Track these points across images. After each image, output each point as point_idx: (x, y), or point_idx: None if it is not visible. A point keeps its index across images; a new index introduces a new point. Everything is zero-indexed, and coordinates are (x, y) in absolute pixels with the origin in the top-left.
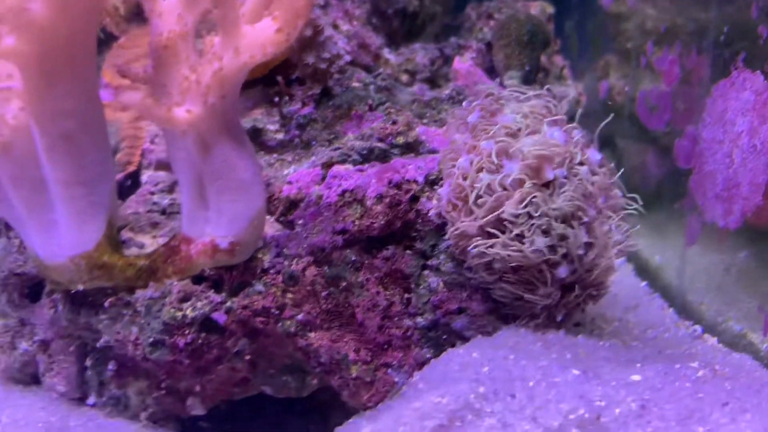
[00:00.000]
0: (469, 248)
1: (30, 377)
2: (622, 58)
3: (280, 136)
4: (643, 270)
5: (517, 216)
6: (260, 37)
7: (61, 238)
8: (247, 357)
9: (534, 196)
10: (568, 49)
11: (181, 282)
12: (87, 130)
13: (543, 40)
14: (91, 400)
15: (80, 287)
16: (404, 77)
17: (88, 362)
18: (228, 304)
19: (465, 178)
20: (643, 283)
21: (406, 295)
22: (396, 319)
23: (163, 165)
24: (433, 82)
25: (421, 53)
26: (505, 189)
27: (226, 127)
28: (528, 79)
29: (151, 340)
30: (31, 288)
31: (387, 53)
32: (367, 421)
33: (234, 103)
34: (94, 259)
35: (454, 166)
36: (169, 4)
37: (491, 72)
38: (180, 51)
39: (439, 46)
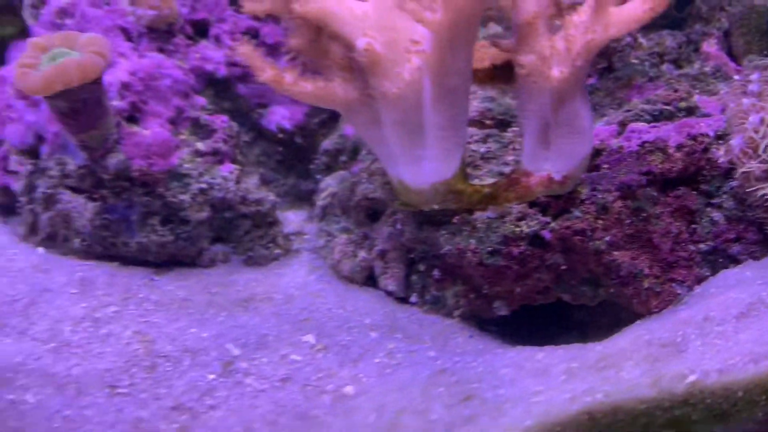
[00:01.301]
0: (751, 190)
1: (364, 279)
2: None
3: None
4: None
5: None
6: (626, 15)
7: (427, 168)
8: (563, 268)
9: None
10: None
11: (519, 206)
12: (465, 85)
13: None
14: (414, 299)
15: (435, 207)
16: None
17: (421, 268)
18: (552, 224)
19: (756, 132)
20: None
21: (692, 226)
22: (683, 244)
23: (475, 122)
24: (676, 63)
25: (669, 38)
26: None
27: (579, 85)
28: None
29: (489, 249)
30: (374, 210)
31: (640, 37)
32: (658, 319)
33: (588, 66)
34: (451, 185)
35: (743, 123)
36: None
37: (730, 57)
38: (539, 26)
39: (686, 33)
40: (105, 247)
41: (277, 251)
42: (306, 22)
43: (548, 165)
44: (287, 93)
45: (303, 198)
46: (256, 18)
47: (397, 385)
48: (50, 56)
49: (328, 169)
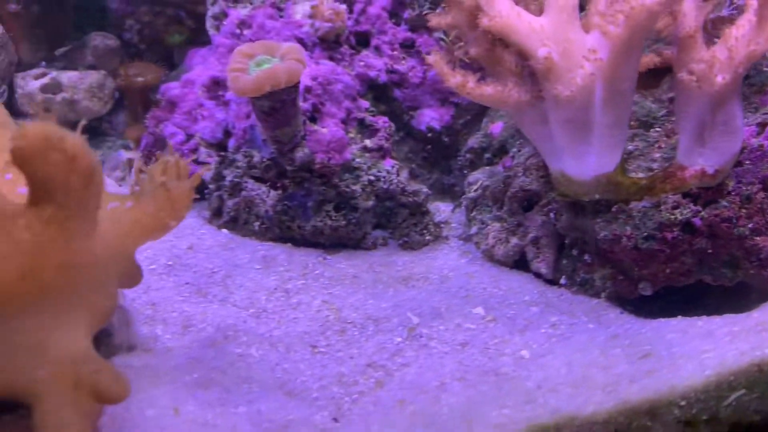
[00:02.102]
0: None
1: (515, 263)
2: None
3: None
4: None
5: None
6: None
7: (591, 162)
8: (708, 252)
9: None
10: None
11: (673, 196)
12: (632, 88)
13: None
14: (563, 281)
15: (596, 197)
16: None
17: (573, 253)
18: (702, 213)
19: None
20: None
21: None
22: None
23: None
24: None
25: None
26: None
27: (737, 89)
28: None
29: (645, 234)
30: (527, 201)
31: None
32: None
33: (745, 73)
34: (612, 178)
35: None
36: (688, 8)
37: None
38: (698, 39)
39: None
40: (282, 230)
41: (429, 237)
42: (485, 35)
43: (702, 160)
44: (469, 96)
45: (446, 191)
46: (412, 30)
47: (577, 348)
48: (256, 62)
49: (472, 165)
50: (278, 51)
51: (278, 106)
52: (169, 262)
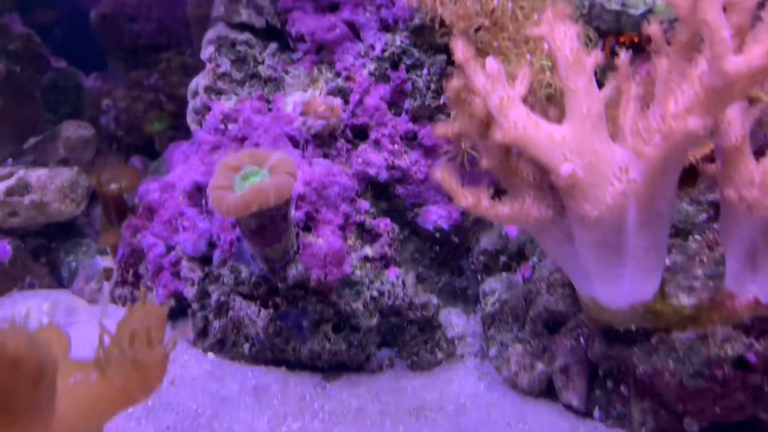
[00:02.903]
0: None
1: (541, 392)
2: None
3: None
4: None
5: None
6: None
7: (626, 289)
8: (766, 389)
9: None
10: None
11: (722, 327)
12: (670, 208)
13: None
14: (597, 414)
15: (631, 327)
16: None
17: (607, 384)
18: (756, 346)
19: None
20: None
21: None
22: None
23: None
24: None
25: None
26: None
27: None
28: None
29: (691, 371)
30: (553, 322)
31: None
32: None
33: None
34: (650, 306)
35: None
36: (733, 115)
37: None
38: (745, 150)
39: None
40: (274, 353)
41: (441, 356)
42: (499, 145)
43: (755, 287)
44: (484, 215)
45: (457, 296)
46: (414, 121)
47: None
48: (242, 175)
49: (486, 269)
50: (267, 161)
51: (267, 223)
52: (149, 402)
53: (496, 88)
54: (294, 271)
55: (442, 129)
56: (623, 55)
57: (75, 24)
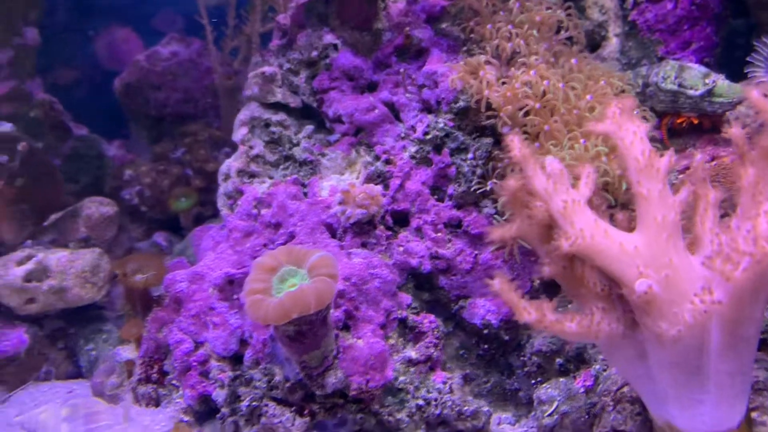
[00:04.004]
0: None
1: None
2: None
3: None
4: None
5: None
6: None
7: (707, 416)
8: None
9: None
10: None
11: None
12: (757, 332)
13: None
14: None
15: None
16: None
17: None
18: None
19: None
20: None
21: None
22: None
23: None
24: None
25: None
26: None
27: None
28: None
29: None
30: None
31: None
32: None
33: None
34: None
35: None
36: None
37: None
38: None
39: None
40: None
41: None
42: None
43: None
44: (550, 331)
45: (508, 398)
46: (458, 207)
47: None
48: (279, 277)
49: (541, 370)
50: (306, 261)
51: (306, 329)
52: None
53: (558, 190)
54: (333, 379)
55: (499, 233)
56: (699, 157)
57: (97, 85)
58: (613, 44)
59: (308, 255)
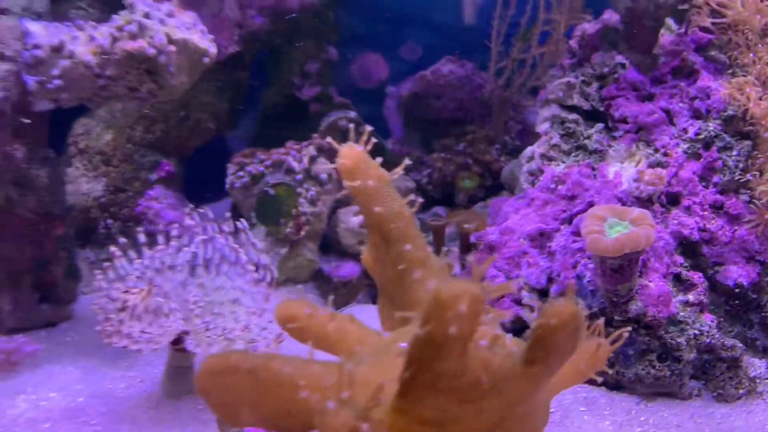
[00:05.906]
0: None
1: None
2: None
3: None
4: None
5: None
6: None
7: None
8: None
9: None
10: None
11: None
12: None
13: None
14: None
15: None
16: None
17: None
18: None
19: None
20: None
21: None
22: None
23: None
24: None
25: None
26: None
27: None
28: None
29: None
30: None
31: None
32: None
33: None
34: None
35: None
36: None
37: None
38: None
39: None
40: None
41: (743, 391)
42: None
43: None
44: None
45: (749, 345)
46: (721, 193)
47: None
48: (609, 224)
49: None
50: (628, 215)
51: (626, 264)
52: None
53: None
54: (635, 307)
55: (756, 214)
56: None
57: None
58: None
59: (627, 212)
